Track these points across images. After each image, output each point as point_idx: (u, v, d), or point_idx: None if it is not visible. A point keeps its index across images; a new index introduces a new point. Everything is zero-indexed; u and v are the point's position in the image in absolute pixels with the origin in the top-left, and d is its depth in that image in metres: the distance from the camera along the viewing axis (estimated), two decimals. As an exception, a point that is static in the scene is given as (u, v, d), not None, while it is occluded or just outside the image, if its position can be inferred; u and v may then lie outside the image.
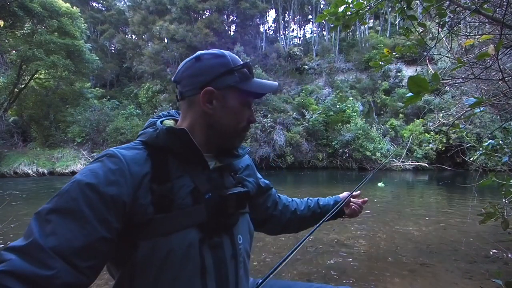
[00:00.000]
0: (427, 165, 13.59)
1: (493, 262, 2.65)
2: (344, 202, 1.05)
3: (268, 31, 27.61)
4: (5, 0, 12.32)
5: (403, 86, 15.82)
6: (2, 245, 3.42)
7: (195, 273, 0.61)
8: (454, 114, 3.72)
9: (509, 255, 2.73)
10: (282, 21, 26.64)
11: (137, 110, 18.30)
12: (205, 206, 0.64)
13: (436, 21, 1.73)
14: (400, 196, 6.86)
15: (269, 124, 15.45)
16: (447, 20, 1.77)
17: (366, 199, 1.13)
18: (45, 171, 13.14)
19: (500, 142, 2.27)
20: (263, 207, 0.93)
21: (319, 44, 23.68)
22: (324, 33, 25.75)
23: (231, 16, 24.72)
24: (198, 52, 0.72)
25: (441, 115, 4.87)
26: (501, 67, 1.28)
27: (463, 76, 2.09)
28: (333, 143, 15.44)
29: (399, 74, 17.63)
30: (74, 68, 15.02)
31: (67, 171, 13.39)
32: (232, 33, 24.89)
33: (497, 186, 2.12)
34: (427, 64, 2.75)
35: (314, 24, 27.99)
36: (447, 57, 2.23)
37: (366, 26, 23.19)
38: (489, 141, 2.18)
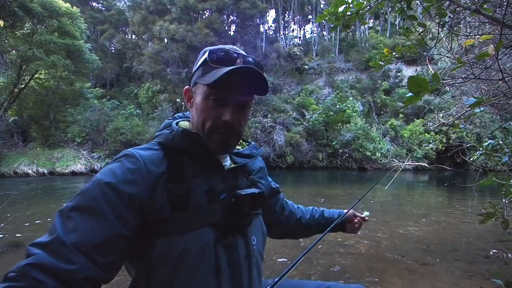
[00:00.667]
0: (427, 165, 13.60)
1: (493, 262, 2.65)
2: (345, 215, 1.07)
3: (268, 31, 27.61)
4: (5, 0, 12.31)
5: (403, 86, 15.83)
6: (1, 246, 3.42)
7: (210, 272, 0.62)
8: (454, 114, 3.72)
9: (509, 255, 2.73)
10: (282, 21, 26.64)
11: (137, 110, 18.29)
12: (220, 206, 0.65)
13: (436, 21, 1.73)
14: (400, 196, 6.86)
15: (269, 124, 15.46)
16: (447, 20, 1.77)
17: (367, 218, 1.13)
18: (45, 171, 13.13)
19: (500, 142, 2.27)
20: (271, 210, 0.93)
21: (319, 44, 23.68)
22: (324, 33, 25.75)
23: (231, 16, 24.70)
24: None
25: (441, 115, 4.87)
26: (501, 67, 1.28)
27: (463, 76, 2.09)
28: (333, 143, 15.44)
29: (399, 74, 17.64)
30: (74, 68, 15.00)
31: (67, 171, 13.39)
32: (232, 33, 24.87)
33: (497, 186, 2.12)
34: (427, 64, 2.75)
35: (314, 24, 28.02)
36: (447, 57, 2.23)
37: (366, 26, 23.20)
38: (489, 141, 2.17)
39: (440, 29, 1.76)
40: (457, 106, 4.06)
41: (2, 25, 5.00)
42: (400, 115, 16.12)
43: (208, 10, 22.28)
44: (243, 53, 0.69)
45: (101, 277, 0.53)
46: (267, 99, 16.45)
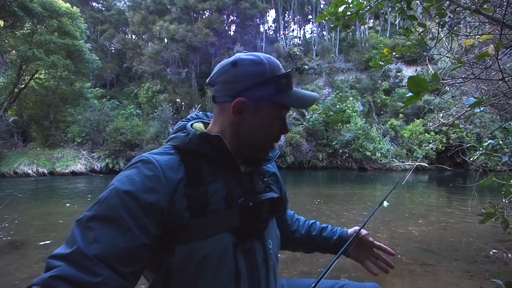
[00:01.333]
0: (427, 165, 13.59)
1: (493, 262, 2.65)
2: (358, 232, 0.93)
3: (268, 31, 27.65)
4: (5, 0, 12.32)
5: (403, 86, 15.84)
6: (2, 246, 3.42)
7: (230, 278, 0.61)
8: (454, 114, 3.72)
9: (509, 255, 2.73)
10: (282, 21, 26.66)
11: (137, 110, 18.27)
12: (238, 210, 0.65)
13: (436, 21, 1.73)
14: (400, 196, 6.85)
15: (269, 124, 15.45)
16: (447, 20, 1.76)
17: (393, 252, 0.93)
18: (45, 171, 13.12)
19: (500, 142, 2.27)
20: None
21: (319, 44, 23.70)
22: (324, 33, 25.77)
23: (231, 16, 24.72)
24: (236, 55, 0.69)
25: (441, 115, 4.87)
26: (501, 67, 1.28)
27: (463, 76, 2.09)
28: (333, 143, 15.44)
29: (399, 74, 17.65)
30: (74, 68, 14.99)
31: (67, 171, 13.38)
32: (232, 33, 24.88)
33: (497, 186, 2.12)
34: (427, 64, 2.75)
35: (314, 24, 28.04)
36: (447, 57, 2.23)
37: (366, 26, 23.21)
38: (489, 141, 2.17)
39: (440, 29, 1.76)
40: (457, 106, 4.06)
41: (2, 25, 5.00)
42: (400, 115, 16.12)
43: (208, 10, 22.29)
44: None
45: (126, 287, 0.53)
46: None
